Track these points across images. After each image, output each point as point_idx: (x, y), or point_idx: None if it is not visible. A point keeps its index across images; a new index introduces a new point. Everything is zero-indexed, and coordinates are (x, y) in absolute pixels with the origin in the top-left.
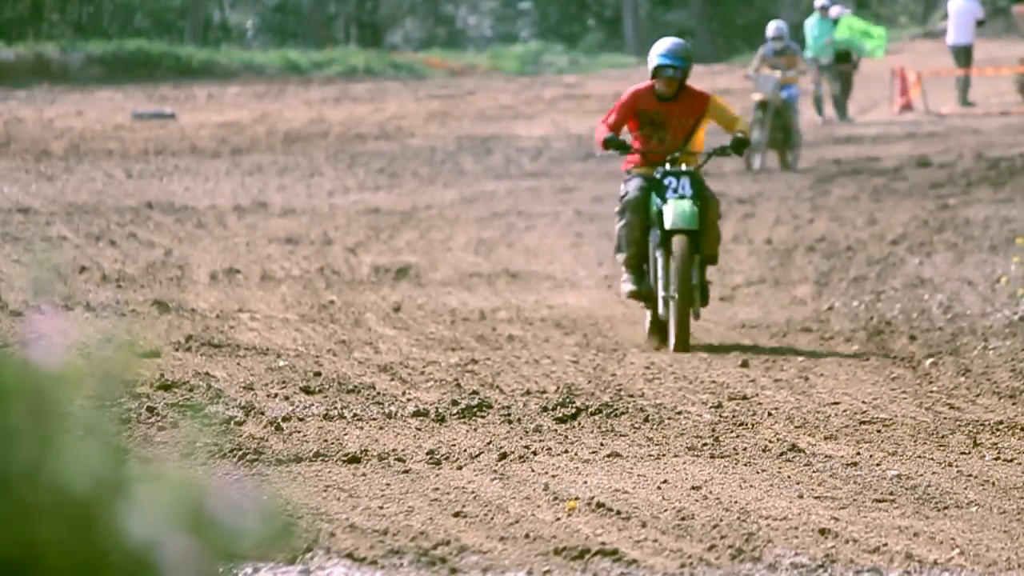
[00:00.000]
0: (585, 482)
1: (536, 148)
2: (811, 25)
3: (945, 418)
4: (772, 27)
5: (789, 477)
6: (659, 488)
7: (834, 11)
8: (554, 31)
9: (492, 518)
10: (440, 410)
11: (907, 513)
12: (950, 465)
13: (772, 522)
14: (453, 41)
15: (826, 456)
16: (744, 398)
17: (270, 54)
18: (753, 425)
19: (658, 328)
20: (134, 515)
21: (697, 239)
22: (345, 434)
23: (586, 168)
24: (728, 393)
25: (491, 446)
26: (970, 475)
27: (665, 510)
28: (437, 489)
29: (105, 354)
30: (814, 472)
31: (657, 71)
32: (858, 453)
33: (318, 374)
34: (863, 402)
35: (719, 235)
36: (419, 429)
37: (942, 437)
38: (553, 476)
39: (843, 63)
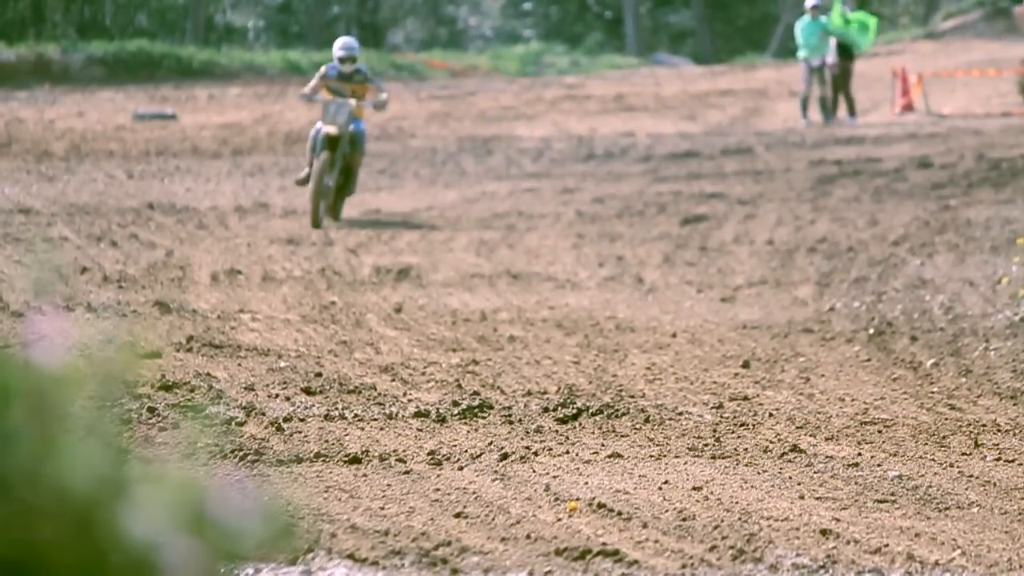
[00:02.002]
0: (586, 483)
1: (537, 149)
2: (801, 26)
3: (946, 419)
4: (340, 44)
5: (790, 478)
6: (660, 489)
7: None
8: (555, 32)
9: (493, 519)
10: (441, 411)
11: (908, 514)
12: (951, 466)
13: (773, 523)
14: (454, 42)
15: (827, 457)
16: (745, 399)
17: (271, 55)
18: (754, 426)
19: None
20: (135, 516)
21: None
22: (346, 435)
23: (587, 169)
24: (729, 394)
25: (492, 447)
26: (971, 476)
27: (666, 511)
28: (438, 490)
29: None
30: (815, 473)
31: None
32: (859, 454)
33: (319, 375)
34: (864, 403)
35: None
36: (420, 430)
37: (943, 438)
38: (554, 477)
39: (845, 59)
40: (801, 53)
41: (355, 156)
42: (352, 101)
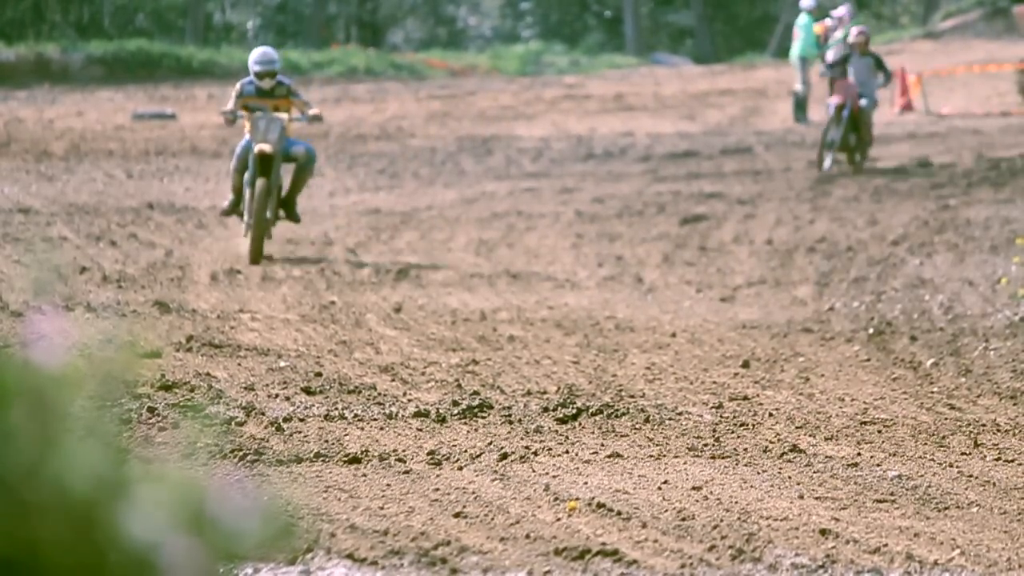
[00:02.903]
0: (586, 483)
1: (536, 149)
2: (800, 25)
3: (946, 419)
4: (255, 56)
5: (790, 478)
6: (660, 489)
7: (840, 11)
8: (555, 32)
9: (493, 518)
10: (441, 411)
11: (908, 514)
12: (951, 466)
13: (773, 522)
14: (454, 41)
15: (827, 457)
16: (745, 399)
17: None
18: (754, 426)
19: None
20: (135, 516)
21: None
22: (346, 435)
23: (586, 169)
24: (729, 394)
25: (492, 447)
26: (971, 476)
27: (666, 510)
28: (438, 490)
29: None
30: (815, 473)
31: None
32: (859, 454)
33: (319, 375)
34: (864, 403)
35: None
36: (420, 430)
37: (943, 438)
38: (554, 477)
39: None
40: (796, 53)
41: (303, 176)
42: (283, 115)
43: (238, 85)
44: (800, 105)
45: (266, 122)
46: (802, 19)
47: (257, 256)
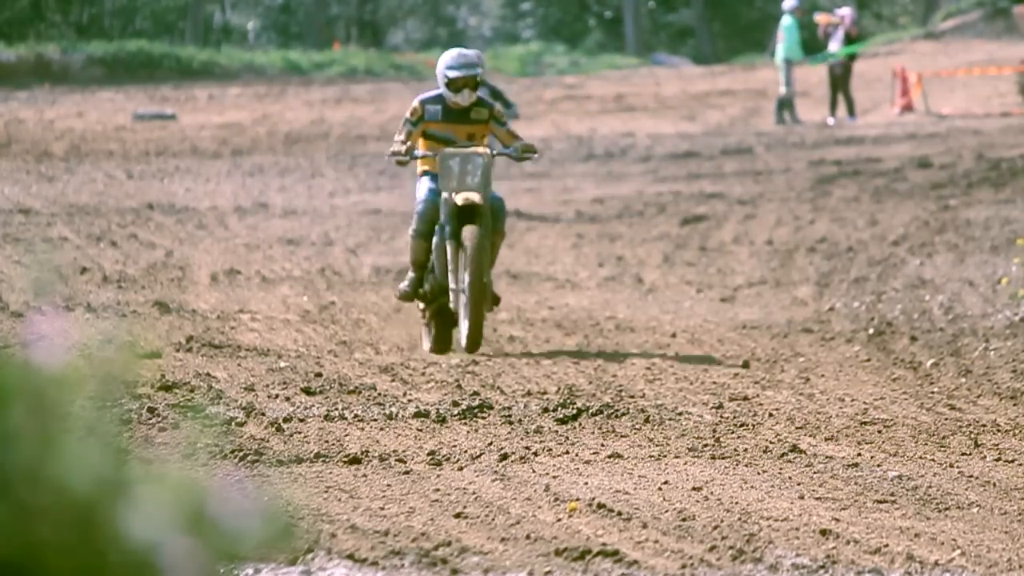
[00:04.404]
0: (586, 483)
1: (537, 149)
2: (784, 27)
3: (946, 419)
4: (452, 58)
5: (790, 478)
6: (660, 489)
7: (843, 11)
8: (555, 32)
9: (493, 519)
10: (441, 411)
11: (908, 514)
12: (951, 466)
13: (773, 523)
14: (454, 42)
15: (827, 457)
16: (745, 399)
17: (271, 55)
18: (754, 426)
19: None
20: (135, 516)
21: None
22: (346, 435)
23: (587, 169)
24: (729, 394)
25: (492, 447)
26: (971, 476)
27: (666, 511)
28: (438, 490)
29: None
30: (815, 473)
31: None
32: (859, 454)
33: (319, 375)
34: (864, 403)
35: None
36: (420, 430)
37: (943, 438)
38: (554, 477)
39: (848, 58)
40: (781, 54)
41: (496, 237)
42: (484, 149)
43: (415, 104)
44: (782, 106)
45: (462, 161)
46: (785, 20)
47: (477, 341)
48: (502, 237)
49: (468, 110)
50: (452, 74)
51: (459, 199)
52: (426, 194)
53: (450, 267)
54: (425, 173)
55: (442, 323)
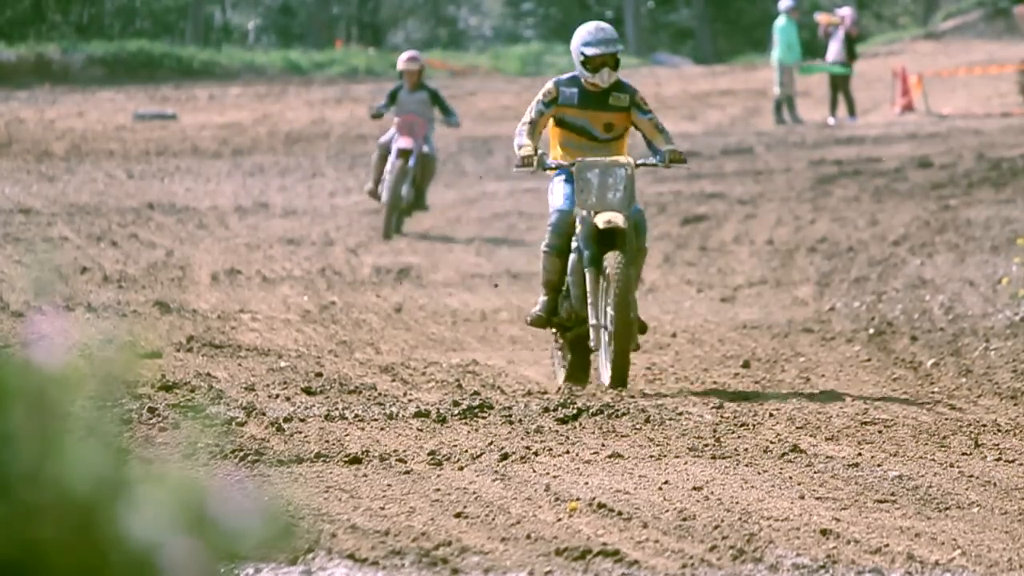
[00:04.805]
0: (586, 483)
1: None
2: (779, 28)
3: (946, 419)
4: (589, 32)
5: (790, 478)
6: (660, 489)
7: (843, 11)
8: (555, 32)
9: (493, 519)
10: (441, 411)
11: (909, 514)
12: (952, 466)
13: (773, 523)
14: (454, 42)
15: (827, 457)
16: (745, 399)
17: (271, 55)
18: (754, 426)
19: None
20: (135, 516)
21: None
22: (346, 435)
23: None
24: (729, 394)
25: (492, 447)
26: (972, 476)
27: (666, 511)
28: (438, 490)
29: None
30: (815, 473)
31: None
32: (859, 454)
33: (319, 375)
34: (864, 403)
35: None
36: (420, 430)
37: (943, 438)
38: (554, 477)
39: (849, 58)
40: (776, 56)
41: (639, 256)
42: (626, 159)
43: (549, 85)
44: (779, 107)
45: (602, 174)
46: (780, 21)
47: (623, 380)
48: (645, 255)
49: (607, 94)
50: (589, 51)
51: (600, 221)
52: (563, 202)
53: (589, 299)
54: (560, 171)
55: (579, 353)
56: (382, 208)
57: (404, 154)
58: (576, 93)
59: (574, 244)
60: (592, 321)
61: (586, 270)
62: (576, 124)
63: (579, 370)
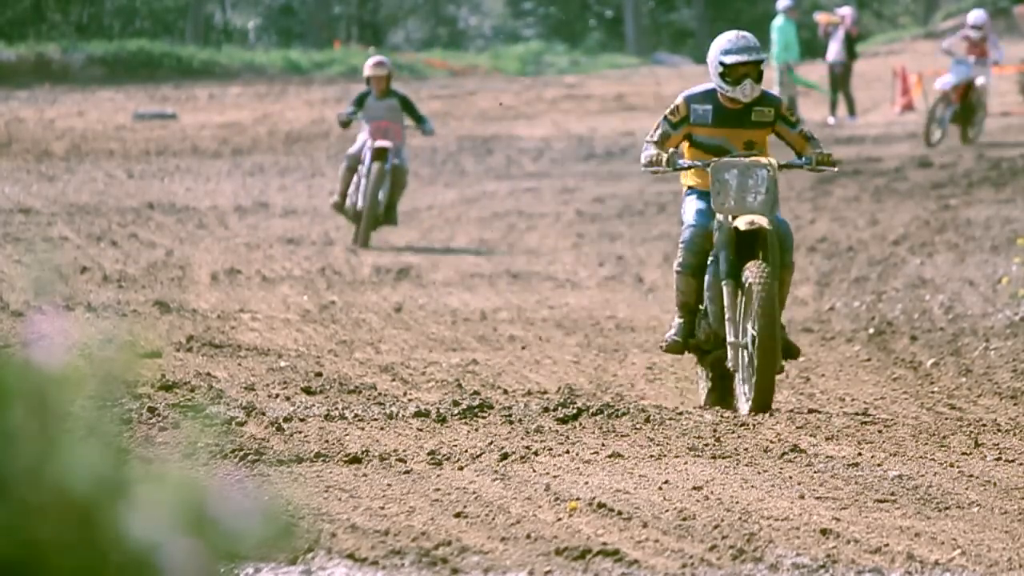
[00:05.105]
0: (586, 482)
1: (537, 149)
2: (776, 28)
3: (946, 418)
4: (730, 39)
5: (790, 477)
6: (660, 488)
7: (843, 11)
8: (555, 31)
9: (493, 518)
10: (441, 410)
11: (909, 513)
12: (952, 465)
13: (773, 522)
14: (454, 41)
15: (827, 456)
16: None
17: (271, 54)
18: (754, 425)
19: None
20: (135, 516)
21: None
22: (346, 434)
23: (587, 169)
24: None
25: (492, 446)
26: (972, 475)
27: (666, 510)
28: (438, 489)
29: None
30: (815, 472)
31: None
32: (859, 453)
33: (319, 374)
34: (864, 402)
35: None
36: (420, 429)
37: (943, 437)
38: (554, 476)
39: (849, 58)
40: (775, 56)
41: (785, 273)
42: (769, 159)
43: (679, 101)
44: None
45: (741, 174)
46: (777, 21)
47: (767, 404)
48: (792, 272)
49: (748, 110)
50: (730, 59)
51: (740, 223)
52: (695, 217)
53: (727, 314)
54: (691, 190)
55: (722, 376)
56: (354, 219)
57: (381, 154)
58: (710, 110)
59: (711, 258)
60: (730, 339)
61: (723, 282)
62: (712, 144)
63: (721, 395)
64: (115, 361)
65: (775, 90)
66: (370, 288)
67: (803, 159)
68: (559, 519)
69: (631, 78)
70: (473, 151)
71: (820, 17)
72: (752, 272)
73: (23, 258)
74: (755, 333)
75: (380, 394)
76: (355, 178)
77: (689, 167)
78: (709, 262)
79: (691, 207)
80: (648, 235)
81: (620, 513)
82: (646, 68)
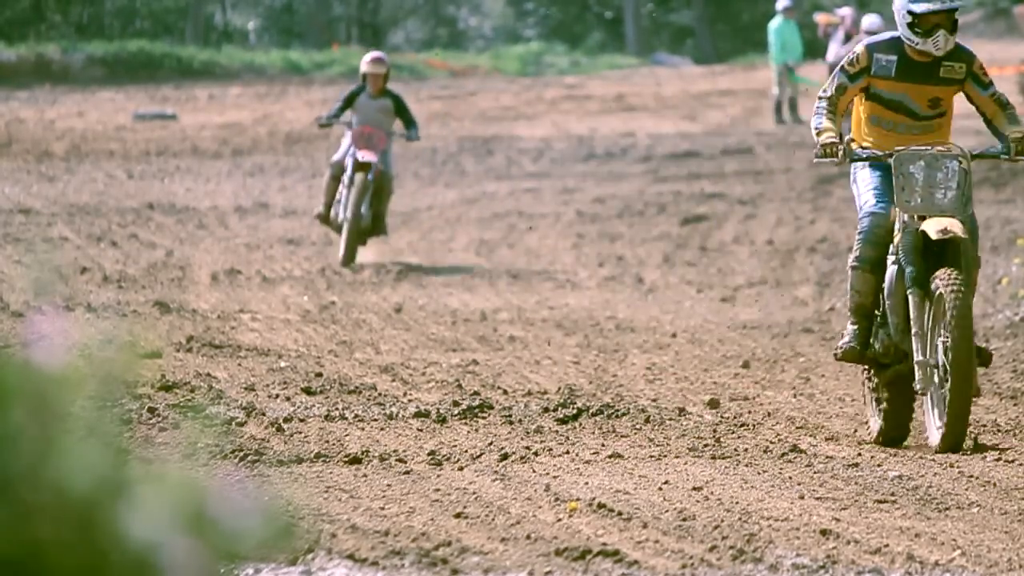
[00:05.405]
0: (586, 483)
1: (537, 149)
2: (773, 29)
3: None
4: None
5: (790, 478)
6: (660, 489)
7: (843, 11)
8: (555, 32)
9: (493, 519)
10: (441, 411)
11: (908, 514)
12: (951, 466)
13: (773, 523)
14: (454, 42)
15: (827, 457)
16: (745, 399)
17: (271, 55)
18: (754, 426)
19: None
20: (135, 516)
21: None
22: (346, 435)
23: (587, 169)
24: (729, 394)
25: (492, 447)
26: (971, 476)
27: (666, 511)
28: (438, 490)
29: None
30: (815, 473)
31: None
32: (859, 454)
33: (319, 375)
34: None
35: None
36: (420, 430)
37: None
38: (554, 477)
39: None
40: (774, 55)
41: (972, 284)
42: (959, 148)
43: (859, 50)
44: (779, 107)
45: (928, 167)
46: (774, 22)
47: (960, 437)
48: (979, 267)
49: (936, 63)
50: (920, 8)
51: (931, 230)
52: (874, 198)
53: (913, 328)
54: (859, 158)
55: (898, 397)
56: (340, 231)
57: (363, 167)
58: (895, 62)
59: (891, 257)
60: (918, 357)
61: (908, 292)
62: (892, 99)
63: (899, 419)
64: (115, 361)
65: (775, 90)
66: (370, 288)
67: (1000, 149)
68: (559, 519)
69: (631, 78)
70: (473, 151)
71: (820, 17)
72: (943, 281)
73: (23, 258)
74: (948, 351)
75: (380, 394)
76: (340, 187)
77: (867, 158)
78: (890, 261)
79: (866, 183)
80: (648, 235)
81: (620, 514)
82: (646, 68)
